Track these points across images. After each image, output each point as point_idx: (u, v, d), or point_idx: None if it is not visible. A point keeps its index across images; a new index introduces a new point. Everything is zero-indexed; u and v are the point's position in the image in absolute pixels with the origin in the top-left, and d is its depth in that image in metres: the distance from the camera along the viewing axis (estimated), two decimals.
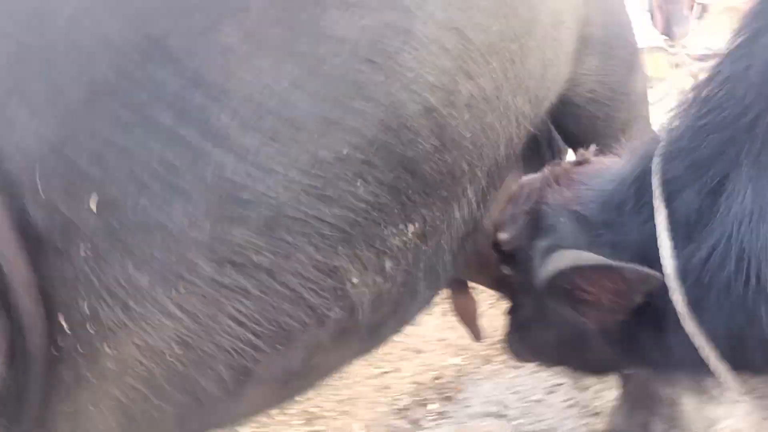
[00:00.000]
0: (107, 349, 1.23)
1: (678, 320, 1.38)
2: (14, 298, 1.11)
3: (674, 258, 1.37)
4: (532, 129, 1.98)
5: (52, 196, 1.16)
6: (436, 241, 1.67)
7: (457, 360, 4.06)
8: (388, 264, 1.51)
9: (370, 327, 1.68)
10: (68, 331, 1.19)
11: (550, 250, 1.55)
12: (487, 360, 3.98)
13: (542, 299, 1.63)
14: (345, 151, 1.33)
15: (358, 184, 1.36)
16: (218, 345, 1.34)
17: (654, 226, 1.40)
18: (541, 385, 3.60)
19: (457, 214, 1.69)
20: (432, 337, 4.40)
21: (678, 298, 1.36)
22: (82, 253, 1.18)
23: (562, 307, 1.56)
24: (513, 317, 2.09)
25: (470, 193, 1.71)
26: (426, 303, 2.07)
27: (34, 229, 1.14)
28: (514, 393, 3.60)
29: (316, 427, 3.68)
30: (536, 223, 1.68)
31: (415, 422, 3.54)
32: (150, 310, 1.23)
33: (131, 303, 1.21)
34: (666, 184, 1.39)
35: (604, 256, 1.44)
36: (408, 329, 4.56)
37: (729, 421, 2.46)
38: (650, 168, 1.44)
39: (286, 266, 1.33)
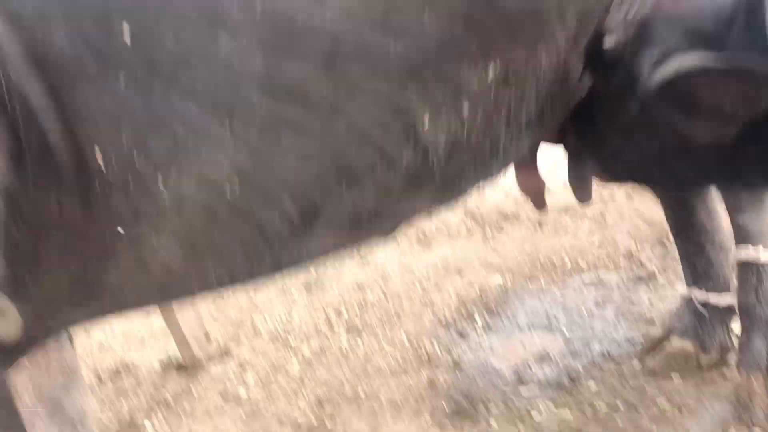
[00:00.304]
0: (160, 183, 1.20)
1: None
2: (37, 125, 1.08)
3: None
4: None
5: (82, 24, 1.10)
6: (521, 87, 1.55)
7: (500, 279, 4.03)
8: (465, 106, 1.41)
9: (446, 175, 1.56)
10: (101, 164, 1.15)
11: (663, 57, 1.46)
12: (532, 278, 3.95)
13: (645, 110, 1.54)
14: None
15: (426, 14, 1.25)
16: (281, 180, 1.30)
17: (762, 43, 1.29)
18: (590, 300, 3.56)
19: (545, 61, 1.55)
20: (474, 259, 4.38)
21: None
22: (122, 86, 1.13)
23: (672, 114, 1.48)
24: (603, 138, 1.96)
25: (559, 37, 1.55)
26: (508, 160, 1.94)
27: (59, 59, 1.09)
28: (561, 307, 3.57)
29: (362, 338, 3.69)
30: (647, 32, 1.57)
31: (461, 334, 3.53)
32: (202, 143, 1.19)
33: (180, 135, 1.17)
34: None
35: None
36: (448, 253, 4.57)
37: None
38: None
39: (350, 102, 1.27)
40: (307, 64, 1.21)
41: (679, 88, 1.38)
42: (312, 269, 4.96)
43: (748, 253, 2.27)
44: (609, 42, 1.65)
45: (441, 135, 1.42)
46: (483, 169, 1.78)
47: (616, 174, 2.20)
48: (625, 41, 1.62)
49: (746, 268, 2.34)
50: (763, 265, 2.28)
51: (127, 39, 1.10)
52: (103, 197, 1.17)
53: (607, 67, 1.68)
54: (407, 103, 1.32)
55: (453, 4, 1.29)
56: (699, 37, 1.46)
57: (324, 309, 4.20)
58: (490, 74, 1.41)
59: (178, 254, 1.32)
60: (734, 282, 2.64)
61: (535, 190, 2.58)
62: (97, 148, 1.13)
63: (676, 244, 2.78)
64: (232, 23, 1.15)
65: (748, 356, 2.36)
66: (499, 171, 1.94)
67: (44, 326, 1.33)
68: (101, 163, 1.14)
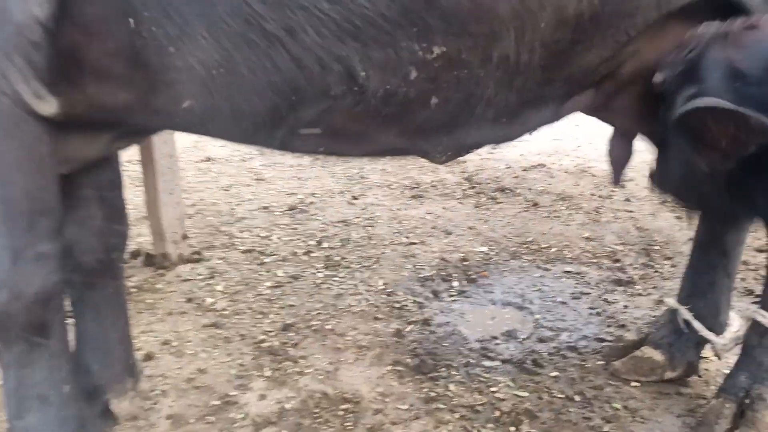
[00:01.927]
0: (172, 48, 1.67)
1: None
2: None
3: None
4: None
5: None
6: (472, 72, 1.83)
7: (485, 249, 4.03)
8: (412, 72, 1.77)
9: (389, 118, 1.90)
10: (134, 27, 1.64)
11: (696, 95, 1.74)
12: (515, 256, 3.96)
13: (675, 137, 1.83)
14: None
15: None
16: (248, 82, 1.72)
17: None
18: (567, 290, 3.58)
19: (495, 56, 1.82)
20: (463, 223, 4.36)
21: None
22: None
23: (685, 142, 1.79)
24: (659, 154, 2.24)
25: (517, 43, 1.80)
26: (514, 125, 2.12)
27: None
28: (537, 290, 3.59)
29: (339, 274, 3.68)
30: (693, 72, 1.82)
31: (435, 293, 3.54)
32: (195, 36, 1.64)
33: (181, 24, 1.63)
34: None
35: (746, 107, 1.62)
36: (439, 211, 4.55)
37: None
38: None
39: (298, 42, 1.65)
40: (262, 3, 1.60)
41: (691, 122, 1.69)
42: (299, 195, 4.91)
43: (764, 319, 2.36)
44: (658, 78, 1.93)
45: (381, 86, 1.77)
46: (456, 124, 2.00)
47: (664, 188, 2.34)
48: (672, 78, 1.89)
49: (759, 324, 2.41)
50: None
51: None
52: (142, 46, 1.67)
53: (657, 99, 1.97)
54: (347, 55, 1.70)
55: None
56: (740, 80, 1.70)
57: (305, 237, 4.17)
58: (434, 53, 1.75)
59: (193, 102, 1.76)
60: (726, 311, 2.68)
61: (618, 163, 2.55)
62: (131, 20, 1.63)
63: (691, 256, 2.78)
64: None
65: (731, 385, 2.42)
66: (502, 134, 2.14)
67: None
68: (134, 26, 1.64)
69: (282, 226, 4.34)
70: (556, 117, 2.17)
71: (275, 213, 4.58)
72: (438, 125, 1.99)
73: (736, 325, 2.72)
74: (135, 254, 3.84)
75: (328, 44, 1.67)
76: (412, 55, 1.74)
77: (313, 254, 3.93)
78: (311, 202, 4.73)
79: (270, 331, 3.14)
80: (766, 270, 2.50)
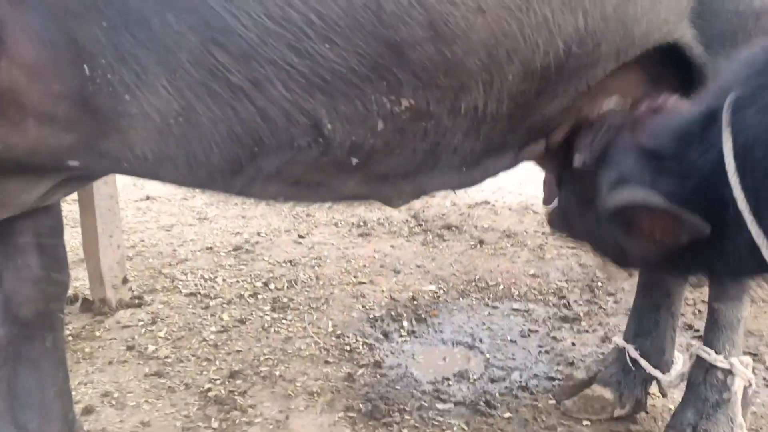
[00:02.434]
0: (127, 97, 1.59)
1: (739, 228, 1.55)
2: None
3: (737, 175, 1.53)
4: (611, 58, 2.01)
5: None
6: (440, 122, 1.84)
7: (434, 287, 4.04)
8: (380, 124, 1.76)
9: (353, 167, 1.88)
10: (89, 74, 1.56)
11: (619, 182, 1.78)
12: (464, 294, 3.98)
13: (600, 210, 1.84)
14: (312, 17, 1.56)
15: (327, 47, 1.59)
16: (207, 133, 1.66)
17: (716, 152, 1.57)
18: (516, 328, 3.62)
19: (463, 106, 1.83)
20: (411, 262, 4.37)
21: (742, 203, 1.53)
22: (104, 24, 1.52)
23: (617, 230, 1.80)
24: (562, 202, 2.28)
25: (485, 94, 1.83)
26: (474, 173, 2.15)
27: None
28: (487, 329, 3.60)
29: (287, 316, 3.60)
30: (608, 155, 1.90)
31: (386, 334, 3.50)
32: (153, 84, 1.57)
33: (139, 72, 1.56)
34: (733, 123, 1.55)
35: (669, 184, 1.66)
36: (387, 250, 4.54)
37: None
38: (721, 107, 1.58)
39: (264, 93, 1.62)
40: (229, 56, 1.55)
41: (625, 213, 1.71)
42: (244, 234, 4.81)
43: (708, 356, 2.49)
44: (577, 161, 2.02)
45: (347, 138, 1.75)
46: (420, 171, 2.00)
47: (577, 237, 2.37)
48: (590, 162, 1.97)
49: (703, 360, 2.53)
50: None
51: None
52: (94, 92, 1.59)
53: (575, 178, 2.08)
54: (314, 108, 1.67)
55: (357, 47, 1.61)
56: (656, 159, 1.74)
57: (251, 278, 4.08)
58: (403, 106, 1.75)
59: (146, 149, 1.70)
60: (671, 349, 2.76)
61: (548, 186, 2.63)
62: (85, 66, 1.55)
63: (636, 297, 2.86)
64: (181, 5, 1.52)
65: (678, 422, 2.49)
66: (463, 180, 2.14)
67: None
68: (88, 73, 1.56)
69: (227, 268, 4.23)
70: (514, 163, 2.22)
71: (220, 254, 4.47)
72: (402, 173, 1.99)
73: (680, 362, 2.80)
74: (72, 299, 3.66)
75: (296, 97, 1.64)
76: (381, 107, 1.74)
77: (259, 296, 3.84)
78: (257, 242, 4.64)
79: (216, 379, 3.03)
80: (707, 307, 2.60)
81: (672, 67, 2.22)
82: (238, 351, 3.28)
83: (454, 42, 1.70)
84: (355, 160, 1.85)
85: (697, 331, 3.50)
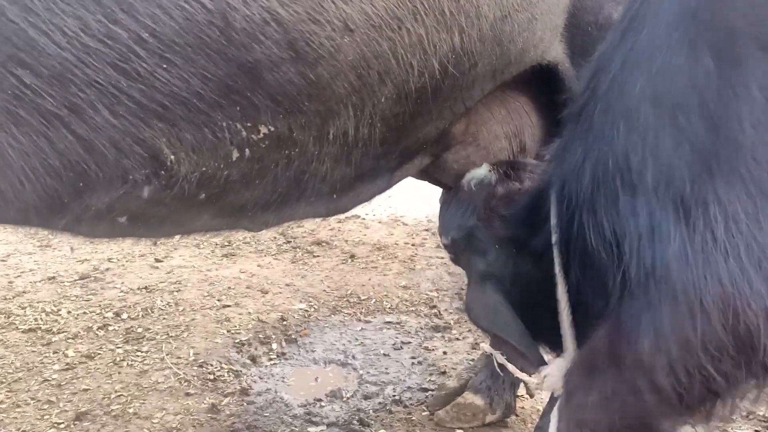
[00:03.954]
0: None
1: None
2: None
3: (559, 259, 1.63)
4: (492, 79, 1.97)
5: None
6: (305, 150, 1.71)
7: (304, 305, 3.89)
8: (234, 153, 1.59)
9: (205, 201, 1.69)
10: None
11: (485, 276, 1.94)
12: (335, 310, 3.86)
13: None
14: (144, 35, 1.37)
15: (163, 68, 1.40)
16: (19, 168, 1.41)
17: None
18: (388, 341, 3.55)
19: (332, 132, 1.71)
20: (279, 280, 4.19)
21: (560, 278, 1.63)
22: None
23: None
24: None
25: (355, 119, 1.72)
26: (344, 200, 2.01)
27: None
28: (360, 345, 3.51)
29: (142, 347, 3.29)
30: (471, 240, 2.01)
31: (254, 358, 3.30)
32: None
33: None
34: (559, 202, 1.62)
35: (526, 267, 1.82)
36: (254, 269, 4.33)
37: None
38: (548, 187, 1.68)
39: (85, 122, 1.40)
40: (38, 78, 1.33)
41: None
42: (92, 261, 4.40)
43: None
44: (444, 240, 2.17)
45: (195, 169, 1.56)
46: (285, 202, 1.85)
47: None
48: (457, 246, 2.08)
49: None
50: None
51: None
52: None
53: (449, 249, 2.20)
54: (150, 137, 1.46)
55: (203, 70, 1.43)
56: (509, 244, 1.86)
57: (100, 309, 3.71)
58: (261, 133, 1.58)
59: None
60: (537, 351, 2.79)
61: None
62: None
63: None
64: None
65: (547, 422, 2.49)
66: (333, 207, 2.03)
67: None
68: None
69: (72, 299, 3.83)
70: (387, 186, 2.13)
71: (64, 284, 4.04)
72: (263, 205, 1.82)
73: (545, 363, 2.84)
74: None
75: (126, 125, 1.43)
76: (235, 135, 1.55)
77: (110, 328, 3.49)
78: (107, 269, 4.25)
79: (60, 423, 2.69)
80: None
81: (545, 87, 2.25)
82: (85, 390, 2.94)
83: (317, 63, 1.54)
84: (206, 194, 1.64)
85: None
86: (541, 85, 2.23)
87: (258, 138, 1.59)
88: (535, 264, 1.75)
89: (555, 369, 1.77)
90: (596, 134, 1.42)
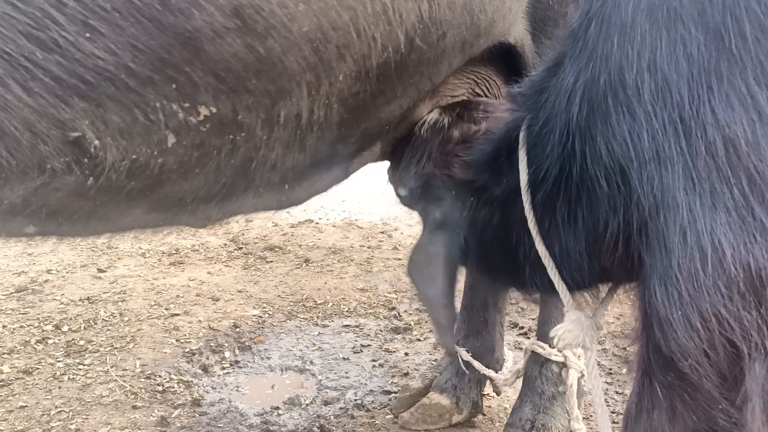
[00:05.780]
0: None
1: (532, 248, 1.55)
2: None
3: (529, 202, 1.53)
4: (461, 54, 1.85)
5: None
6: (252, 135, 1.52)
7: (258, 312, 3.72)
8: (170, 139, 1.40)
9: (137, 193, 1.50)
10: None
11: (437, 227, 1.84)
12: (291, 316, 3.71)
13: None
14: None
15: (87, 37, 1.22)
16: None
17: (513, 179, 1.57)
18: (348, 345, 3.43)
19: (282, 115, 1.52)
20: (231, 287, 4.01)
21: (532, 223, 1.52)
22: None
23: None
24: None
25: (310, 99, 1.54)
26: (296, 191, 1.83)
27: None
28: (318, 350, 3.37)
29: (84, 360, 3.07)
30: (428, 189, 1.92)
31: (205, 368, 3.13)
32: None
33: None
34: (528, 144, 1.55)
35: (484, 212, 1.71)
36: (203, 277, 4.14)
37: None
38: (517, 135, 1.57)
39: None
40: None
41: None
42: (29, 273, 4.13)
43: (542, 350, 2.43)
44: (402, 192, 2.06)
45: (124, 156, 1.39)
46: (230, 194, 1.66)
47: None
48: (414, 195, 2.00)
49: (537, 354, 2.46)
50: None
51: None
52: None
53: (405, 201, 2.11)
54: (70, 118, 1.29)
55: (132, 39, 1.25)
56: (468, 190, 1.75)
57: (39, 322, 3.46)
58: (201, 115, 1.41)
59: None
60: (501, 347, 2.71)
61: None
62: None
63: (463, 297, 2.77)
64: None
65: (517, 419, 2.43)
66: (286, 199, 1.84)
67: None
68: None
69: (8, 312, 3.57)
70: (345, 175, 1.97)
71: None
72: (206, 196, 1.63)
73: (511, 359, 2.77)
74: None
75: (42, 104, 1.25)
76: (170, 117, 1.37)
77: (50, 341, 3.26)
78: (46, 280, 3.99)
79: None
80: (539, 305, 2.60)
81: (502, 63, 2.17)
82: (22, 407, 2.72)
83: (268, 35, 1.36)
84: (138, 184, 1.44)
85: (522, 328, 3.56)
86: (508, 64, 2.16)
87: (197, 121, 1.41)
88: (499, 209, 1.64)
89: (570, 324, 1.64)
90: (590, 53, 1.30)
